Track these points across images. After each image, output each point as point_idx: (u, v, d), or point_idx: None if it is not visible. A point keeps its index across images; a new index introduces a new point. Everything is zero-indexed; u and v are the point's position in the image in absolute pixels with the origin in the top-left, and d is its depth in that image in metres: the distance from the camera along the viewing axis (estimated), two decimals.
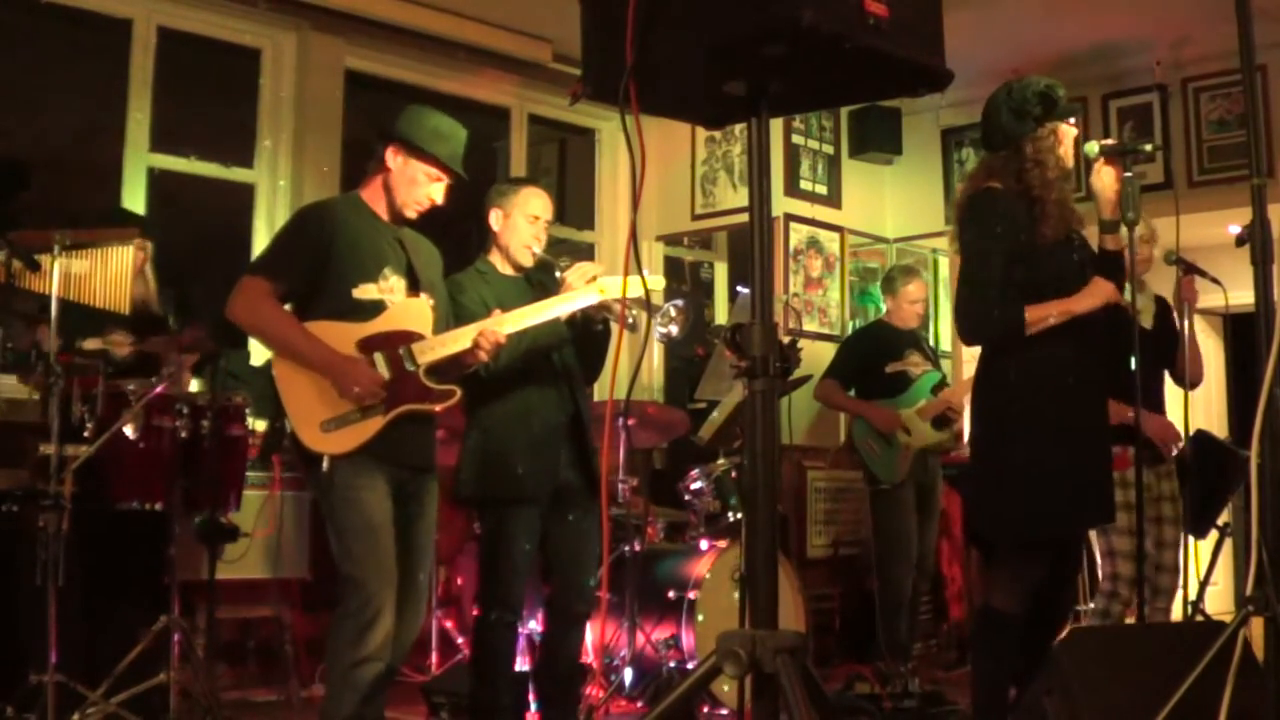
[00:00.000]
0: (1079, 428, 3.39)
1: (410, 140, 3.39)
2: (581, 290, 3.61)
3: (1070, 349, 3.40)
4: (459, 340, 3.39)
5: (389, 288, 3.36)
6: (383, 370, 3.29)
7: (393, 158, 3.41)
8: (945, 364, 6.90)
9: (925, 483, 5.51)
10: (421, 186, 3.41)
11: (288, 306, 3.35)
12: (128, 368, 4.15)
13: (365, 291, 3.31)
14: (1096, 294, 3.40)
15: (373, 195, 3.45)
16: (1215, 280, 4.42)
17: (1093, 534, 4.28)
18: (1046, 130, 3.43)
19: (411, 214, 3.45)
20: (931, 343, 7.15)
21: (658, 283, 3.73)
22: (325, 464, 3.21)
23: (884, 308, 5.84)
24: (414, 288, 3.43)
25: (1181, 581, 4.46)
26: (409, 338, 3.34)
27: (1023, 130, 3.45)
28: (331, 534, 3.28)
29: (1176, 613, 4.57)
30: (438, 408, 3.38)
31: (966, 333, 3.51)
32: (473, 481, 3.76)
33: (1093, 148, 3.51)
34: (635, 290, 3.35)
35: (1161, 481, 4.40)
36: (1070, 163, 3.49)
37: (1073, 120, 3.49)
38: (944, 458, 5.71)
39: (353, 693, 3.17)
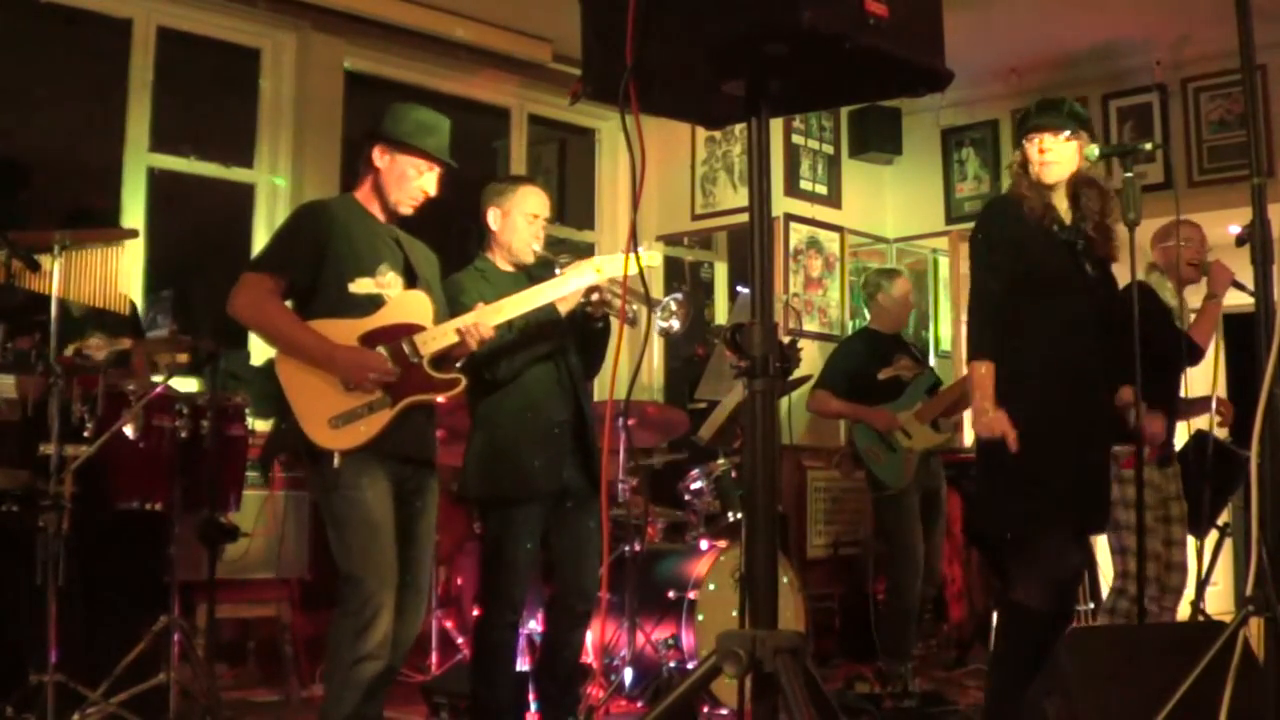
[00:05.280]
0: (1067, 430, 3.45)
1: (393, 136, 3.40)
2: (579, 269, 3.61)
3: (1060, 352, 3.46)
4: (448, 334, 3.39)
5: (386, 283, 3.36)
6: (387, 359, 3.29)
7: (379, 156, 3.42)
8: (945, 364, 6.91)
9: (930, 487, 5.45)
10: (412, 180, 3.41)
11: (287, 304, 3.35)
12: (97, 369, 4.13)
13: (362, 286, 3.32)
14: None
15: (366, 196, 3.46)
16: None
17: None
18: (1024, 145, 3.63)
19: (407, 209, 3.44)
20: (931, 343, 7.17)
21: (655, 259, 3.71)
22: (336, 460, 3.20)
23: (867, 315, 5.81)
24: (411, 284, 3.43)
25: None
26: (410, 329, 3.35)
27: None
28: (331, 532, 3.28)
29: (1183, 611, 4.59)
30: (442, 397, 3.39)
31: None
32: (479, 481, 3.76)
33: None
34: (634, 271, 3.36)
35: (1169, 482, 4.47)
36: (1035, 174, 3.58)
37: (1033, 136, 3.57)
38: (945, 457, 5.69)
39: (353, 691, 3.16)
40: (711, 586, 4.77)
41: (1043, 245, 3.51)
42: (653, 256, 3.72)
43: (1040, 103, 3.64)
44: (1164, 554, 4.44)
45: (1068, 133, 3.54)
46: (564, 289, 3.61)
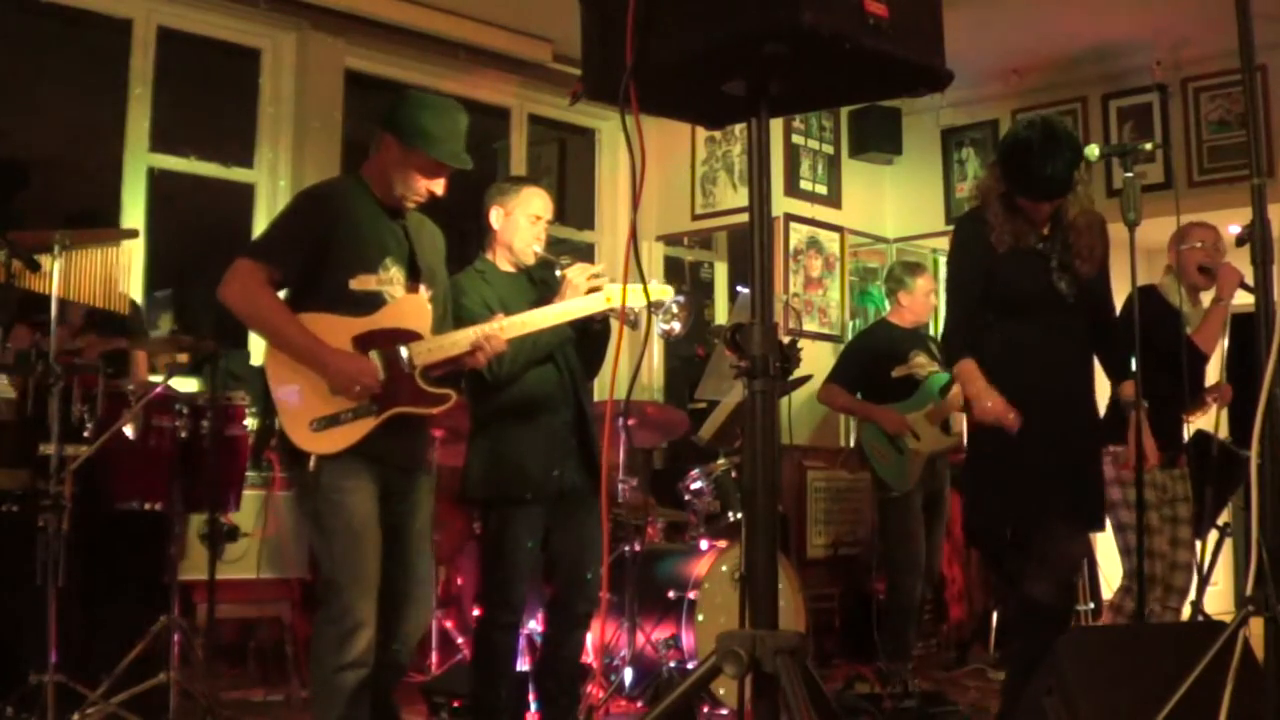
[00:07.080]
0: (1047, 433, 3.50)
1: (406, 135, 3.26)
2: (588, 298, 3.59)
3: (1033, 363, 3.56)
4: (458, 343, 3.33)
5: (389, 279, 3.26)
6: (378, 369, 3.20)
7: (389, 148, 3.29)
8: None
9: (934, 488, 5.43)
10: (419, 180, 3.30)
11: (281, 294, 3.24)
12: (95, 369, 4.13)
13: (363, 283, 3.21)
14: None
15: (374, 177, 3.34)
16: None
17: (1110, 533, 4.35)
18: (1017, 195, 3.65)
19: (411, 204, 3.35)
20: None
21: (664, 292, 3.67)
22: (313, 463, 3.12)
23: (888, 307, 5.74)
24: (414, 278, 3.33)
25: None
26: (407, 337, 3.25)
27: None
28: (314, 535, 3.23)
29: (1184, 611, 4.60)
30: (433, 411, 3.29)
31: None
32: (480, 481, 3.75)
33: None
34: (642, 299, 3.35)
35: (1176, 483, 4.49)
36: (1031, 220, 3.64)
37: (1039, 203, 3.60)
38: (951, 458, 5.66)
39: (338, 696, 3.11)
40: (711, 586, 4.77)
41: (1012, 265, 3.57)
42: (665, 292, 3.68)
43: (1043, 145, 3.47)
44: (1169, 554, 4.45)
45: None
46: (574, 313, 3.58)
